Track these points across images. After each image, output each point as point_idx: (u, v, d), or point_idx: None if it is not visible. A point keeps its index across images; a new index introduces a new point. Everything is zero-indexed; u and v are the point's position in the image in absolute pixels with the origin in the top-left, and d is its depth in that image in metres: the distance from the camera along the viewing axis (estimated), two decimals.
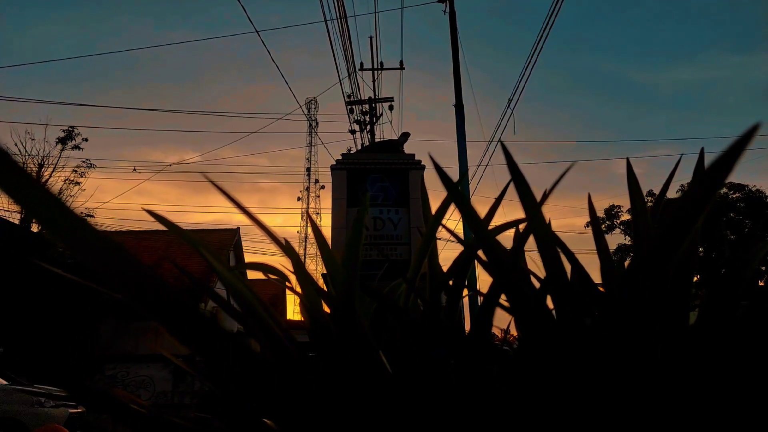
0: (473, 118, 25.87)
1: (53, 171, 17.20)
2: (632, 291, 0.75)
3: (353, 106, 17.48)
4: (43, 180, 16.10)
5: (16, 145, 16.97)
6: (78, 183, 17.38)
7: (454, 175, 1.11)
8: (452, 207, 0.97)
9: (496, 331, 1.08)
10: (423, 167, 8.35)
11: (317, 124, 34.30)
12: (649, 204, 1.09)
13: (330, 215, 8.31)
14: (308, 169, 36.63)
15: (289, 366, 0.79)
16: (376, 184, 8.27)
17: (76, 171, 17.41)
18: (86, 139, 17.64)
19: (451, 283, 1.05)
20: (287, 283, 1.10)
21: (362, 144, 17.46)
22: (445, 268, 1.13)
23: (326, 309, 0.90)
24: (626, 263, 1.02)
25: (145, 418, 0.69)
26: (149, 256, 14.97)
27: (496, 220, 1.07)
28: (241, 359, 0.67)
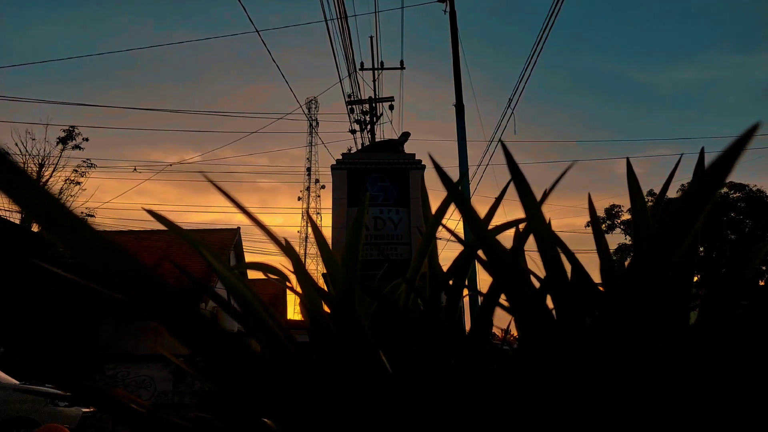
0: (473, 117, 25.95)
1: (54, 171, 17.22)
2: (632, 291, 0.75)
3: (353, 106, 17.48)
4: (44, 180, 16.12)
5: (16, 144, 17.00)
6: (78, 183, 17.41)
7: (455, 174, 1.11)
8: (452, 207, 0.97)
9: (496, 331, 1.09)
10: (423, 167, 8.35)
11: (317, 123, 34.32)
12: (650, 204, 1.09)
13: (330, 215, 8.33)
14: (308, 169, 36.65)
15: (289, 366, 0.79)
16: (376, 183, 8.28)
17: (76, 171, 17.43)
18: (87, 139, 17.67)
19: (451, 283, 1.05)
20: (287, 283, 1.10)
21: (362, 144, 17.46)
22: (445, 268, 1.13)
23: (326, 309, 0.90)
24: (626, 263, 1.02)
25: (146, 418, 0.69)
26: (150, 256, 14.99)
27: (496, 220, 1.07)
28: (241, 359, 0.67)
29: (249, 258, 23.60)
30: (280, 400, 0.75)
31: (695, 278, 0.93)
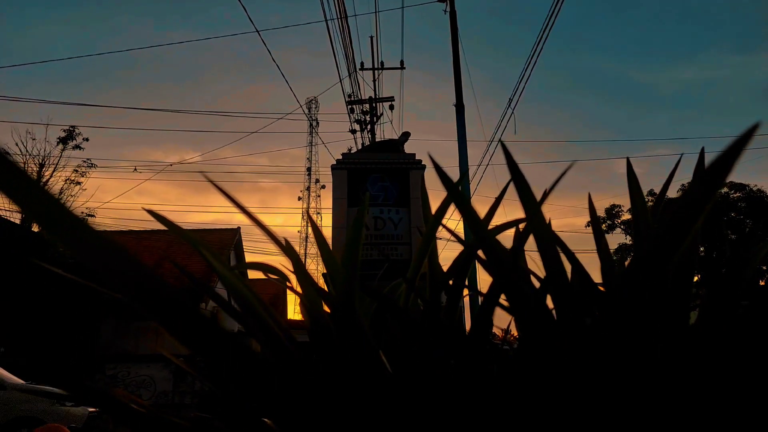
0: (474, 117, 25.99)
1: (54, 171, 17.23)
2: (632, 291, 0.75)
3: (354, 106, 17.48)
4: (44, 180, 16.12)
5: (17, 144, 17.01)
6: (79, 183, 17.43)
7: (455, 174, 1.11)
8: (452, 207, 0.97)
9: (496, 331, 1.09)
10: (423, 167, 8.35)
11: (318, 123, 34.33)
12: (650, 203, 1.09)
13: (330, 215, 8.33)
14: (309, 169, 36.67)
15: (289, 366, 0.79)
16: (376, 183, 8.28)
17: (76, 171, 17.46)
18: (87, 139, 17.69)
19: (451, 282, 1.05)
20: (287, 283, 1.10)
21: (363, 143, 17.46)
22: (445, 268, 1.13)
23: (326, 309, 0.90)
24: (626, 263, 1.02)
25: (146, 418, 0.69)
26: (150, 256, 14.99)
27: (496, 220, 1.07)
28: (241, 359, 0.67)
29: (249, 258, 23.62)
30: (280, 400, 0.75)
31: (695, 278, 0.93)
